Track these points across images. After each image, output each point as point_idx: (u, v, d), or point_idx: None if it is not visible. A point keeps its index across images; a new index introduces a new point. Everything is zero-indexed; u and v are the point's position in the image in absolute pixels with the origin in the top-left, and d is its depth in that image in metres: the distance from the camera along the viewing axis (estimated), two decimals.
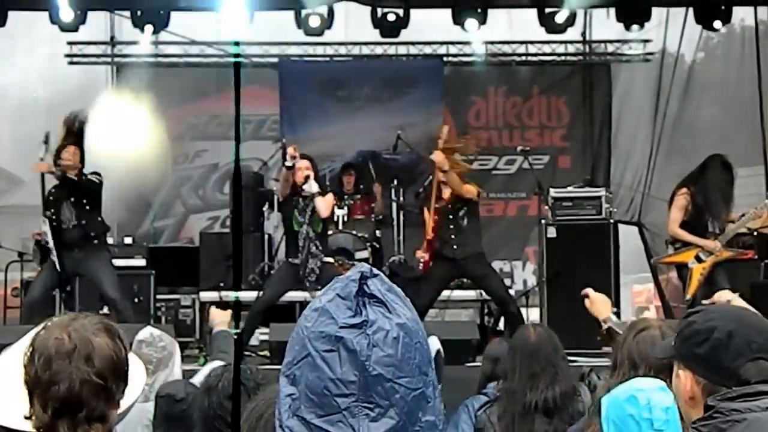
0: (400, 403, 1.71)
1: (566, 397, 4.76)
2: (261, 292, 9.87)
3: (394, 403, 1.71)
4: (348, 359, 1.70)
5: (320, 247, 9.52)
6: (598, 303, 5.03)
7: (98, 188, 9.53)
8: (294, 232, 9.54)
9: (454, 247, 9.71)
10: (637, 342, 3.69)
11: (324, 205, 9.50)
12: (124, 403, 2.66)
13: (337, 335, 1.72)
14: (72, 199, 9.44)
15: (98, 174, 9.59)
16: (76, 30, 12.93)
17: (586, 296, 5.10)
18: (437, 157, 9.58)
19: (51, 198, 9.45)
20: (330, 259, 9.77)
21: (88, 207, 9.48)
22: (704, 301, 5.00)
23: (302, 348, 1.74)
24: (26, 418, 2.55)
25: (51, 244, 9.37)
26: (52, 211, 9.44)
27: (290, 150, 9.55)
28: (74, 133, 9.40)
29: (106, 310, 10.02)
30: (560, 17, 12.66)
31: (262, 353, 9.70)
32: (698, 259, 9.63)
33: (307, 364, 1.73)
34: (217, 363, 4.82)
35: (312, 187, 9.41)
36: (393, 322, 1.74)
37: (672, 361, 2.87)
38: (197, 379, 4.79)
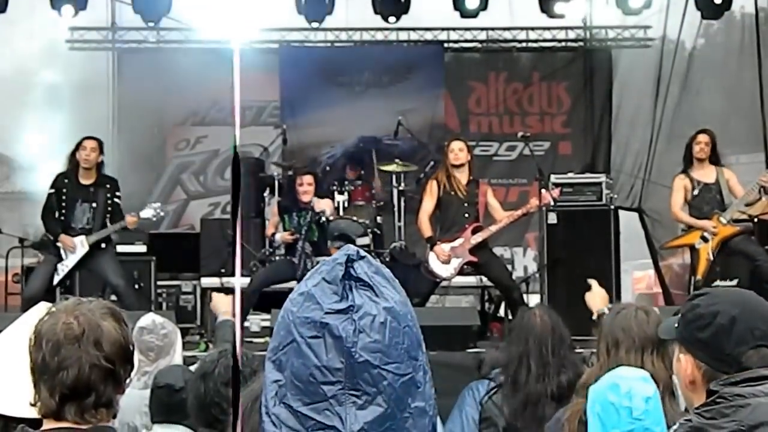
0: (388, 389, 1.68)
1: (574, 383, 4.73)
2: (254, 275, 10.15)
3: (382, 390, 1.68)
4: (334, 346, 1.67)
5: (316, 262, 9.71)
6: (596, 297, 5.03)
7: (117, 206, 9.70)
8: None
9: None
10: (617, 320, 3.69)
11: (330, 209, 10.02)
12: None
13: (322, 321, 1.68)
14: (88, 204, 9.56)
15: (116, 184, 9.77)
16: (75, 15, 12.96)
17: (590, 285, 5.11)
18: None
19: (64, 195, 9.55)
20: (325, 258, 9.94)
21: (102, 217, 9.59)
22: None
23: (287, 333, 1.71)
24: (31, 405, 2.52)
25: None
26: (64, 209, 9.57)
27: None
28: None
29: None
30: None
31: (263, 340, 9.74)
32: (704, 239, 9.69)
33: (292, 350, 1.69)
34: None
35: (323, 207, 9.79)
36: (380, 306, 1.70)
37: (670, 341, 2.86)
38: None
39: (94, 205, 9.59)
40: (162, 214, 10.02)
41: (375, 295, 1.72)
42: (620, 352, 3.60)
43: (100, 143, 9.69)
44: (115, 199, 9.69)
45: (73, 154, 9.59)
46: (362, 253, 1.75)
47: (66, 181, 9.62)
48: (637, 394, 2.79)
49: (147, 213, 9.95)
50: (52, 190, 9.65)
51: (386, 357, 1.69)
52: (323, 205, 10.17)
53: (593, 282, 5.31)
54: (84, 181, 9.59)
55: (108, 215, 9.63)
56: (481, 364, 6.10)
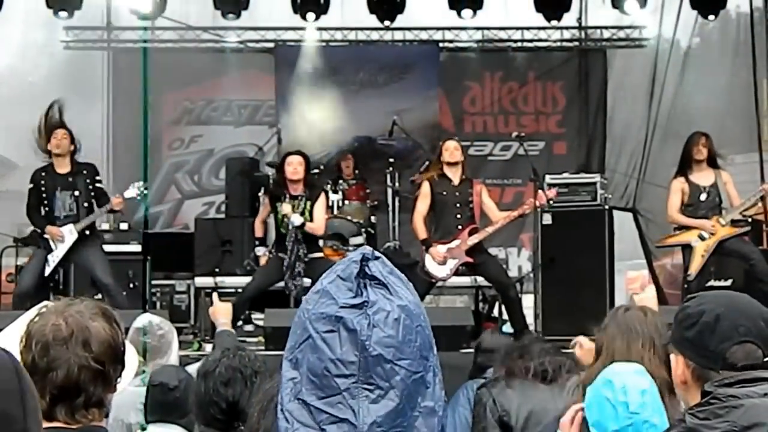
0: (400, 385, 1.71)
1: (560, 366, 4.74)
2: (251, 280, 10.04)
3: (395, 385, 1.71)
4: (348, 339, 1.70)
5: (307, 252, 9.59)
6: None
7: (99, 191, 9.62)
8: (282, 232, 9.70)
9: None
10: (625, 319, 3.66)
11: (316, 227, 9.65)
12: (118, 387, 2.66)
13: (337, 315, 1.71)
14: (68, 192, 9.47)
15: (94, 168, 9.66)
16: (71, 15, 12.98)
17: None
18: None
19: (43, 187, 9.47)
20: (318, 254, 9.83)
21: (85, 203, 9.51)
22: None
23: (303, 331, 1.74)
24: None
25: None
26: (45, 200, 9.47)
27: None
28: (58, 119, 9.45)
29: (101, 295, 10.04)
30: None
31: (256, 339, 9.73)
32: (701, 238, 9.69)
33: (308, 346, 1.72)
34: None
35: (295, 220, 9.46)
36: (394, 303, 1.73)
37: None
38: (193, 368, 4.77)
39: (76, 193, 9.48)
40: (145, 191, 9.88)
41: (389, 293, 1.74)
42: (630, 352, 3.56)
43: (71, 132, 9.49)
44: (97, 184, 9.56)
45: (45, 146, 9.44)
46: (377, 253, 1.78)
47: (43, 173, 9.47)
48: (633, 388, 2.79)
49: (131, 193, 9.80)
50: (32, 185, 9.53)
51: (399, 353, 1.71)
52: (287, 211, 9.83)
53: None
54: (60, 171, 9.43)
55: (93, 201, 9.56)
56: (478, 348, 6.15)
